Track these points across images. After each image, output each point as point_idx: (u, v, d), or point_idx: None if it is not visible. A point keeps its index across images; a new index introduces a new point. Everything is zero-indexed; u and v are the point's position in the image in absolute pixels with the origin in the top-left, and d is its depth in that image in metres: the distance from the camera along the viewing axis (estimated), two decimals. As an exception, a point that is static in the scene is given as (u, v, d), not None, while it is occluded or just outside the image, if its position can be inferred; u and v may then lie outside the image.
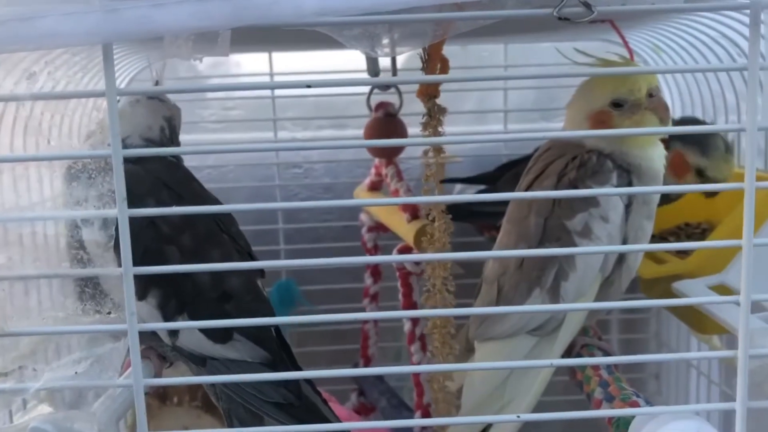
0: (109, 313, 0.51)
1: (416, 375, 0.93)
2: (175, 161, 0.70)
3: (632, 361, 0.53)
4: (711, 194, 0.86)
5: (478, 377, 0.69)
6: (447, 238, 0.64)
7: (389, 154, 0.98)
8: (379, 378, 1.07)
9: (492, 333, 0.69)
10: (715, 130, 0.89)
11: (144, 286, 0.62)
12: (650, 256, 0.83)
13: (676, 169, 0.85)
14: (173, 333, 0.64)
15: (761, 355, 0.48)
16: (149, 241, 0.62)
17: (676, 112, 1.04)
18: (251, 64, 1.18)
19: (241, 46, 0.66)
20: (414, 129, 0.94)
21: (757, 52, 0.43)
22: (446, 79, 0.63)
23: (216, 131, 1.21)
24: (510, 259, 0.69)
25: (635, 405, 0.59)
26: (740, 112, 0.91)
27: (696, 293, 0.68)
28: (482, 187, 1.06)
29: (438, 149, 0.62)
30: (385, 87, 0.96)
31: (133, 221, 0.44)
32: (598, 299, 0.68)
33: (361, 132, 1.00)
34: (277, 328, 0.68)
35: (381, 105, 0.98)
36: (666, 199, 0.76)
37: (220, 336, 0.64)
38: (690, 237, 0.92)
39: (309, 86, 0.44)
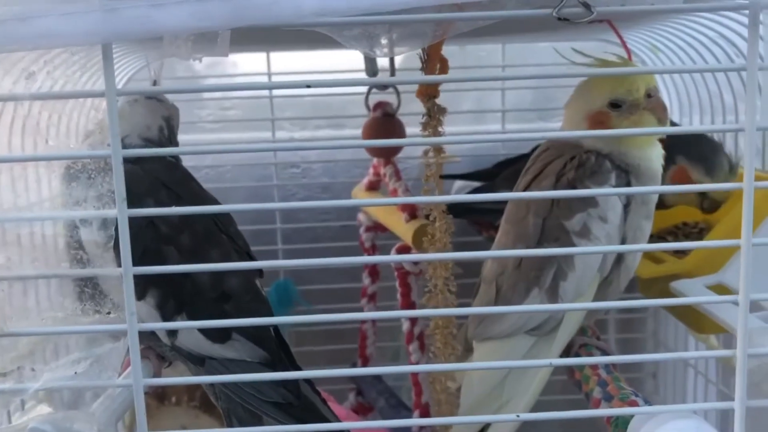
0: (109, 313, 0.51)
1: (415, 374, 0.93)
2: (174, 161, 0.70)
3: (631, 361, 0.53)
4: (710, 209, 0.85)
5: (476, 377, 0.69)
6: (448, 238, 0.64)
7: (387, 154, 0.98)
8: (378, 378, 1.07)
9: (490, 333, 0.69)
10: (714, 130, 0.89)
11: (143, 286, 0.62)
12: (648, 255, 0.83)
13: (679, 185, 0.85)
14: (172, 333, 0.64)
15: (760, 354, 0.48)
16: (148, 241, 0.62)
17: (674, 113, 1.05)
18: (248, 64, 1.18)
19: (239, 46, 0.65)
20: (412, 129, 0.94)
21: (755, 52, 0.43)
22: (444, 80, 0.63)
23: (214, 131, 1.21)
24: (508, 259, 0.69)
25: (634, 404, 0.59)
26: (738, 112, 0.91)
27: (694, 293, 0.68)
28: (480, 184, 1.06)
29: (438, 149, 0.62)
30: (383, 87, 0.96)
31: (132, 221, 0.44)
32: (596, 299, 0.68)
33: (359, 132, 1.00)
34: (275, 327, 0.68)
35: (379, 105, 0.98)
36: (662, 206, 0.76)
37: (219, 336, 0.64)
38: (688, 236, 0.93)
39: (309, 86, 0.44)
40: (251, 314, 0.63)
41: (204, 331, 0.64)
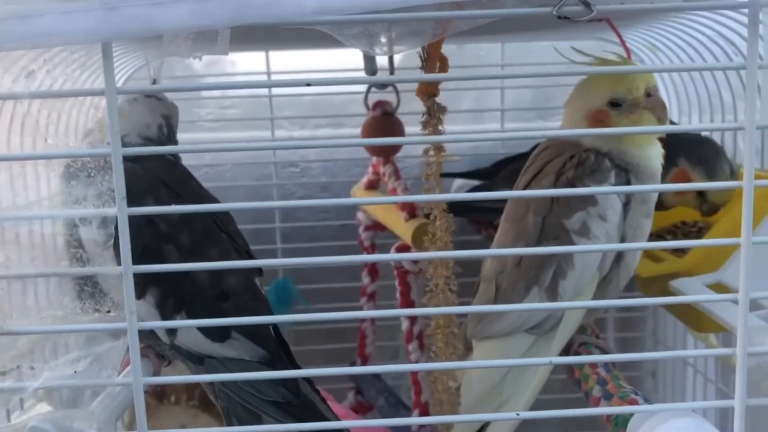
0: (108, 311, 0.51)
1: (414, 373, 0.93)
2: (173, 160, 0.70)
3: (630, 359, 0.53)
4: (708, 213, 0.85)
5: (476, 375, 0.69)
6: (449, 237, 0.64)
7: (387, 153, 0.97)
8: (377, 377, 1.07)
9: (490, 331, 0.70)
10: (714, 129, 0.89)
11: (142, 284, 0.62)
12: (647, 254, 0.83)
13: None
14: (171, 331, 0.64)
15: (760, 352, 0.49)
16: (148, 240, 0.62)
17: (673, 112, 1.05)
18: (247, 63, 1.18)
19: (238, 45, 0.65)
20: (411, 128, 0.94)
21: (755, 51, 0.43)
22: (444, 78, 0.63)
23: (213, 130, 1.21)
24: (508, 258, 0.69)
25: (633, 403, 0.59)
26: (737, 111, 0.91)
27: (693, 291, 0.68)
28: (479, 183, 1.06)
29: (439, 148, 0.62)
30: (382, 86, 0.96)
31: (132, 220, 0.44)
32: (596, 298, 0.68)
33: (358, 131, 1.00)
34: (275, 326, 0.68)
35: (378, 104, 0.98)
36: (660, 206, 0.76)
37: (219, 334, 0.64)
38: (686, 235, 0.93)
39: (309, 84, 0.44)
40: (250, 313, 0.63)
41: (203, 330, 0.64)
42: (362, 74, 0.85)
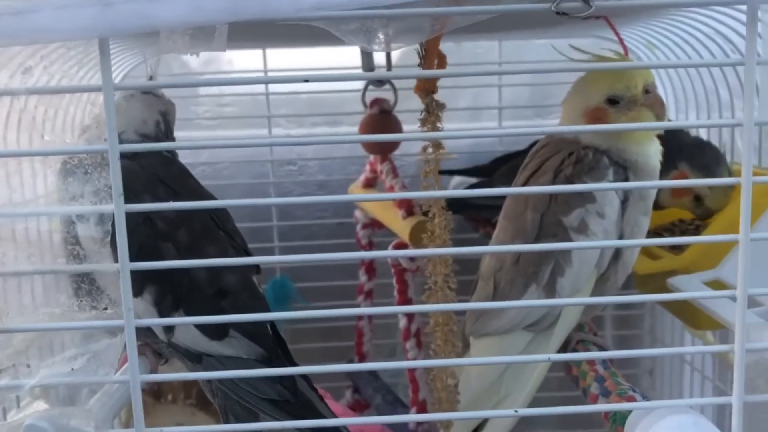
0: (106, 309, 0.51)
1: (412, 371, 0.93)
2: (171, 157, 0.70)
3: (628, 356, 0.53)
4: (703, 216, 0.85)
5: (474, 373, 0.69)
6: (447, 234, 0.64)
7: (384, 151, 0.97)
8: (374, 375, 1.07)
9: (488, 329, 0.70)
10: (712, 125, 0.89)
11: (140, 282, 0.61)
12: (645, 251, 0.83)
13: (676, 189, 0.85)
14: (169, 329, 0.64)
15: (758, 349, 0.49)
16: (145, 238, 0.62)
17: (671, 110, 1.05)
18: (244, 61, 1.17)
19: (235, 42, 0.65)
20: (409, 126, 0.94)
21: (753, 47, 0.43)
22: (442, 74, 0.63)
23: (210, 128, 1.20)
24: (506, 255, 0.69)
25: (632, 400, 0.59)
26: (734, 108, 0.91)
27: (691, 288, 0.69)
28: (477, 180, 1.06)
29: (437, 145, 0.62)
30: (380, 84, 0.96)
31: (129, 217, 0.44)
32: (593, 295, 0.68)
33: (355, 129, 1.00)
34: (273, 325, 0.68)
35: (376, 101, 0.98)
36: (656, 206, 0.76)
37: (216, 332, 0.64)
38: (684, 233, 0.93)
39: (306, 80, 0.44)
40: (248, 311, 0.63)
41: (201, 328, 0.64)
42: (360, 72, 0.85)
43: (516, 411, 0.50)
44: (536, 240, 0.67)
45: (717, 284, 0.70)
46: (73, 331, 0.51)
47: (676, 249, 0.83)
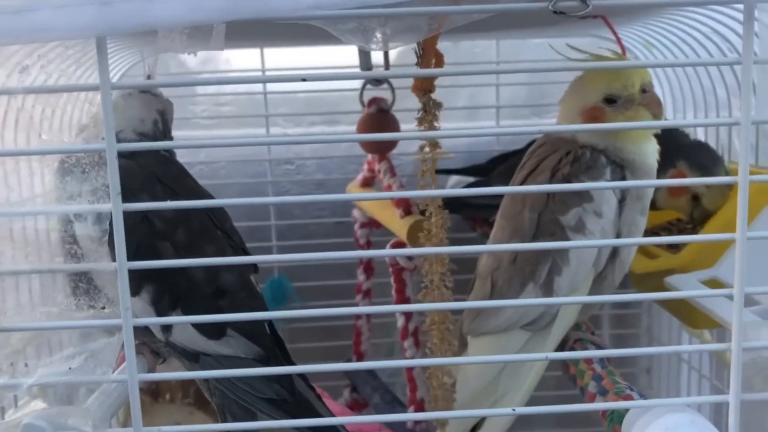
0: (103, 308, 0.51)
1: (409, 370, 0.93)
2: (169, 156, 0.70)
3: (626, 354, 0.53)
4: (700, 219, 0.85)
5: (471, 372, 0.69)
6: (444, 233, 0.64)
7: (382, 150, 0.97)
8: (372, 374, 1.07)
9: (486, 328, 0.70)
10: (709, 124, 0.89)
11: (137, 281, 0.61)
12: (642, 251, 0.83)
13: (673, 188, 0.85)
14: (166, 329, 0.64)
15: (755, 347, 0.49)
16: (143, 237, 0.62)
17: (668, 109, 1.05)
18: (241, 60, 1.17)
19: (233, 42, 0.65)
20: (407, 125, 0.94)
21: (750, 46, 0.44)
22: (439, 73, 0.63)
23: (207, 127, 1.20)
24: (504, 255, 0.69)
25: (629, 398, 0.59)
26: (731, 107, 0.91)
27: (688, 287, 0.69)
28: (475, 179, 1.06)
29: (434, 144, 0.62)
30: (377, 83, 0.96)
31: (127, 217, 0.44)
32: (591, 294, 0.68)
33: (353, 128, 1.00)
34: (270, 324, 0.68)
35: (374, 101, 0.98)
36: (653, 207, 0.76)
37: (214, 332, 0.64)
38: (681, 232, 0.93)
39: (304, 79, 0.44)
40: (246, 310, 0.63)
41: (198, 327, 0.64)
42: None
43: (513, 409, 0.50)
44: (534, 239, 0.67)
45: (714, 283, 0.70)
46: (71, 330, 0.51)
47: (674, 248, 0.83)
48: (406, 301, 0.93)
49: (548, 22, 0.78)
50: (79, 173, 0.48)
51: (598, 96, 0.68)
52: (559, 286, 0.67)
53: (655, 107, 0.67)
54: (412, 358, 0.93)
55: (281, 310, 1.08)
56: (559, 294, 0.67)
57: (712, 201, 0.83)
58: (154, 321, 0.62)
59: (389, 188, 0.95)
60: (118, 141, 0.43)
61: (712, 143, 0.92)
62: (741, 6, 0.44)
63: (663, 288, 0.72)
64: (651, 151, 0.69)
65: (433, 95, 0.66)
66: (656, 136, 0.70)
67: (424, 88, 0.63)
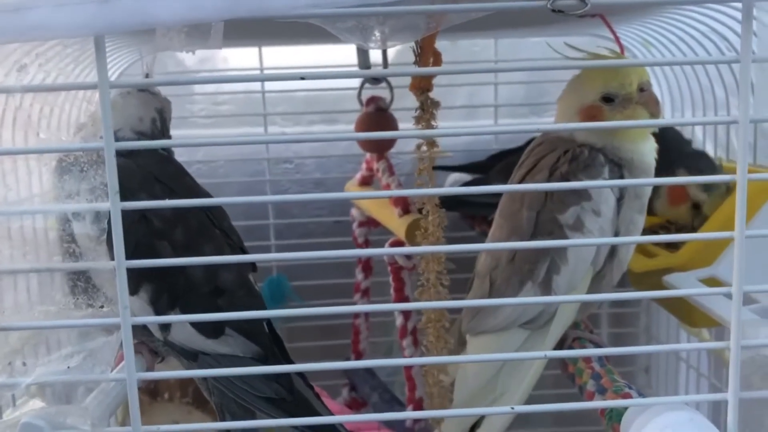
0: (102, 307, 0.51)
1: (408, 369, 0.93)
2: (167, 155, 0.70)
3: (625, 353, 0.53)
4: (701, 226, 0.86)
5: (470, 371, 0.69)
6: (441, 232, 0.64)
7: (380, 149, 0.97)
8: (371, 373, 1.07)
9: (484, 326, 0.70)
10: (708, 123, 0.89)
11: (136, 281, 0.61)
12: (640, 249, 0.83)
13: (673, 197, 0.85)
14: (165, 328, 0.64)
15: (753, 345, 0.49)
16: (141, 237, 0.62)
17: (666, 108, 1.05)
18: (239, 60, 1.17)
19: (231, 41, 0.65)
20: (405, 124, 0.94)
21: (748, 44, 0.44)
22: (437, 71, 0.63)
23: (206, 126, 1.20)
24: (502, 253, 0.69)
25: (627, 396, 0.59)
26: (729, 107, 0.91)
27: (687, 286, 0.69)
28: (474, 176, 1.06)
29: (431, 142, 0.62)
30: (376, 82, 0.96)
31: (125, 216, 0.44)
32: (589, 293, 0.68)
33: (351, 127, 1.00)
34: (269, 323, 0.68)
35: (372, 99, 0.98)
36: (653, 215, 0.76)
37: (212, 331, 0.64)
38: (680, 231, 0.93)
39: (303, 78, 0.44)
40: (244, 309, 0.63)
41: (197, 326, 0.64)
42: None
43: (512, 408, 0.50)
44: (532, 238, 0.67)
45: (712, 282, 0.70)
46: (69, 329, 0.51)
47: (672, 247, 0.83)
48: (405, 300, 0.93)
49: (547, 21, 0.78)
50: (78, 172, 0.48)
51: (596, 95, 0.68)
52: (558, 285, 0.67)
53: (652, 106, 0.67)
54: (411, 357, 0.93)
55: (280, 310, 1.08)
56: (557, 293, 0.67)
57: (712, 209, 0.82)
58: (152, 320, 0.62)
59: (387, 187, 0.95)
60: (117, 140, 0.43)
61: (710, 143, 0.92)
62: (739, 5, 0.44)
63: (662, 287, 0.72)
64: (649, 150, 0.69)
65: (431, 94, 0.67)
66: (656, 141, 0.70)
67: (422, 86, 0.63)
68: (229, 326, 0.64)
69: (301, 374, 0.66)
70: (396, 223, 0.88)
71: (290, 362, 0.68)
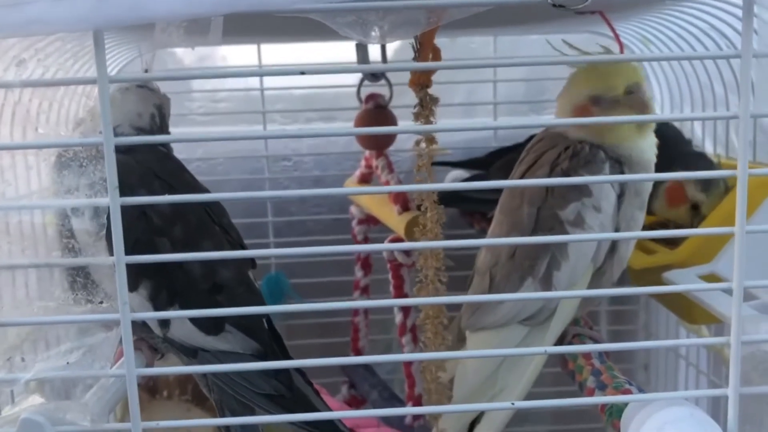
0: (101, 302, 0.51)
1: (407, 366, 0.93)
2: (166, 152, 0.70)
3: (624, 349, 0.53)
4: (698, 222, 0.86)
5: (470, 367, 0.69)
6: (439, 228, 0.64)
7: (380, 146, 0.97)
8: (370, 370, 1.07)
9: (484, 322, 0.70)
10: (708, 118, 0.89)
11: (135, 277, 0.61)
12: (640, 246, 0.83)
13: (672, 198, 0.85)
14: (164, 324, 0.64)
15: (753, 341, 0.49)
16: (140, 233, 0.61)
17: (665, 106, 1.05)
18: (238, 57, 1.17)
19: (230, 38, 0.65)
20: (404, 121, 0.94)
21: (749, 39, 0.44)
22: (437, 66, 0.63)
23: (204, 124, 1.20)
24: (502, 250, 0.69)
25: (628, 393, 0.59)
26: (729, 104, 0.91)
27: (686, 282, 0.69)
28: (474, 173, 1.06)
29: (430, 139, 0.62)
30: (375, 78, 0.96)
31: (124, 212, 0.44)
32: (589, 290, 0.68)
33: (350, 124, 1.00)
34: (268, 319, 0.68)
35: (371, 96, 0.98)
36: (649, 212, 0.76)
37: (212, 327, 0.64)
38: (679, 228, 0.93)
39: (303, 73, 0.44)
40: (244, 306, 0.63)
41: (196, 323, 0.63)
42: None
43: (513, 403, 0.50)
44: (532, 234, 0.67)
45: (712, 278, 0.70)
46: (69, 324, 0.51)
47: (672, 244, 0.83)
48: (404, 297, 0.93)
49: (546, 17, 0.78)
50: (77, 167, 0.48)
51: (585, 96, 0.68)
52: (558, 281, 0.67)
53: (639, 109, 0.67)
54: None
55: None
56: (557, 289, 0.67)
57: (711, 209, 0.82)
58: (151, 315, 0.62)
59: (387, 184, 0.95)
60: (116, 135, 0.43)
61: (710, 140, 0.92)
62: (740, 1, 0.44)
63: (661, 284, 0.72)
64: (649, 146, 0.69)
65: (431, 92, 0.66)
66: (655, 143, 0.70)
67: (421, 82, 0.62)
68: (228, 323, 0.64)
69: (300, 371, 0.66)
70: (395, 220, 0.87)
71: (289, 359, 0.68)
